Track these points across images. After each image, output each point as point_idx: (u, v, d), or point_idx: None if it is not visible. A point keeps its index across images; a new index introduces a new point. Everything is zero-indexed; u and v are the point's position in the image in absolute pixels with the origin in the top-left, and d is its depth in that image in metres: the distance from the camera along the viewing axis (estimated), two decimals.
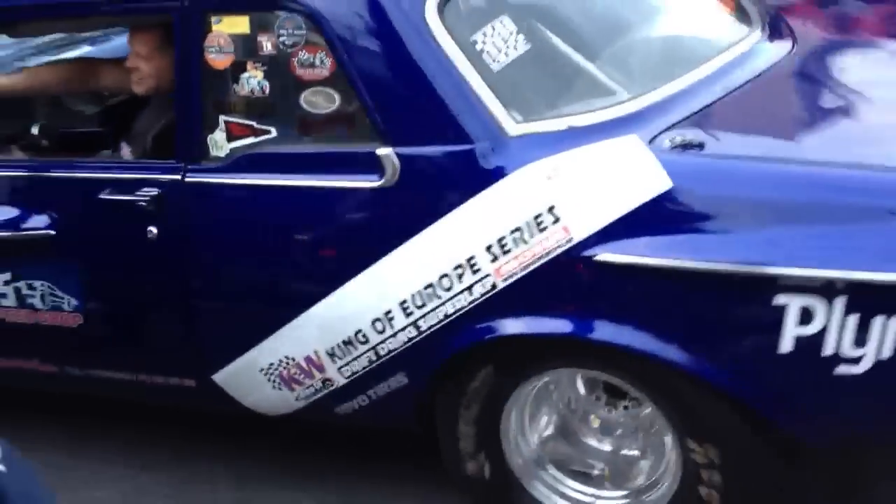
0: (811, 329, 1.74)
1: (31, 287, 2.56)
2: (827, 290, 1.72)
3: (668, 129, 1.97)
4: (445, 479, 2.32)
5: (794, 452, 1.98)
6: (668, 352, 1.86)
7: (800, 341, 1.76)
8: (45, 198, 2.52)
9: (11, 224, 2.52)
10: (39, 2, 2.55)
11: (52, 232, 2.46)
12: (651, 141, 1.93)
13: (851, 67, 2.43)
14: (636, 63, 2.20)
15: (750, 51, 2.32)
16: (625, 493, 2.16)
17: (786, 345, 1.77)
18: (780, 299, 1.75)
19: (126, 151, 2.61)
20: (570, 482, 2.20)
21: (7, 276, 2.58)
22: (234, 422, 2.63)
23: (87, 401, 2.83)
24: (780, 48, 2.38)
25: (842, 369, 1.75)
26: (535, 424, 2.23)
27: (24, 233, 2.50)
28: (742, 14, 2.51)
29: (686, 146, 1.90)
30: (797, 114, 2.11)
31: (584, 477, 2.20)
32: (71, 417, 2.98)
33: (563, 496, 2.20)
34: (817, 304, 1.73)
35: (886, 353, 1.72)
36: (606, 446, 2.22)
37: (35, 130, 2.94)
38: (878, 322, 1.70)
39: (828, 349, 1.75)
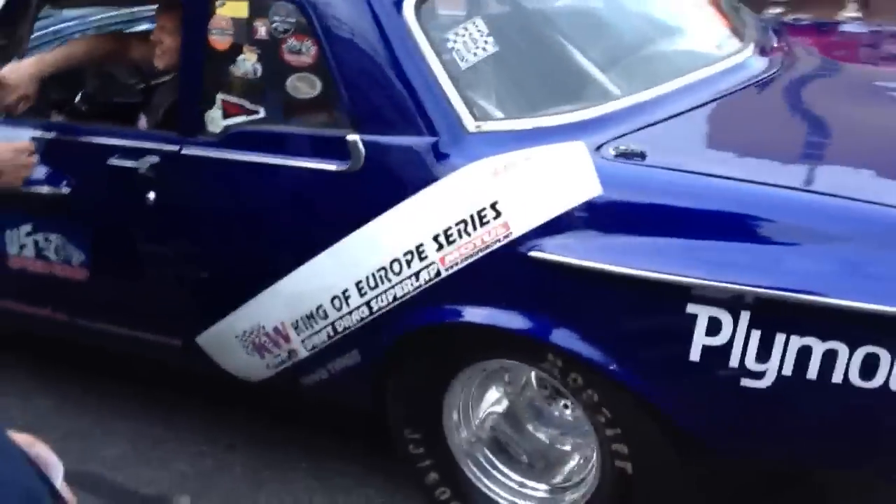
0: (718, 340, 1.79)
1: (47, 240, 2.78)
2: (735, 303, 1.76)
3: (620, 137, 2.03)
4: None
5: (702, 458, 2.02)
6: (587, 350, 1.93)
7: (707, 350, 1.80)
8: (65, 159, 2.73)
9: (36, 181, 2.74)
10: None
11: (68, 190, 2.67)
12: (598, 148, 1.99)
13: (831, 92, 2.44)
14: (608, 71, 2.26)
15: (733, 67, 2.36)
16: (547, 487, 2.23)
17: (695, 353, 1.81)
18: (691, 308, 1.80)
19: (143, 123, 2.80)
20: (501, 466, 2.27)
21: (29, 227, 2.81)
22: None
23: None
24: (766, 66, 2.41)
25: (746, 382, 1.79)
26: (481, 402, 2.30)
27: (45, 189, 2.71)
28: (735, 29, 2.54)
29: (627, 155, 1.95)
30: (759, 133, 2.13)
31: (514, 463, 2.28)
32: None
33: (492, 478, 2.28)
34: (725, 317, 1.77)
35: (787, 371, 1.74)
36: (543, 437, 2.28)
37: (78, 99, 3.17)
38: (780, 339, 1.73)
39: (733, 361, 1.78)
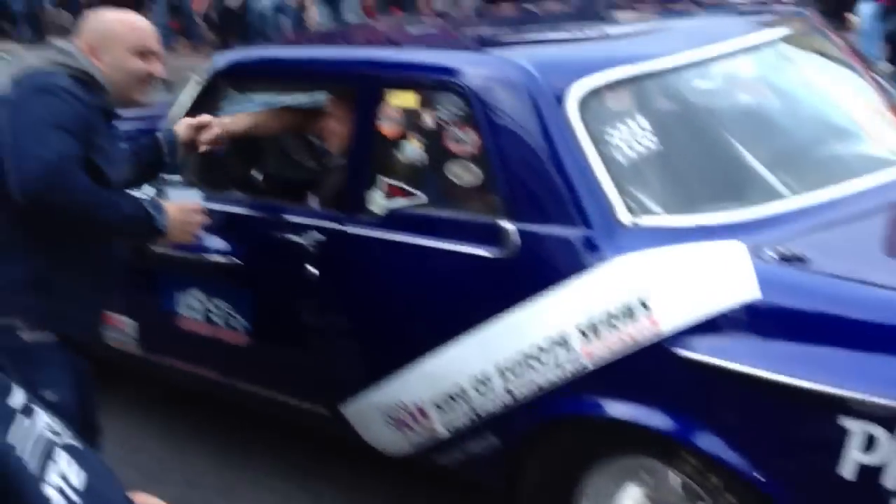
0: (873, 458, 1.70)
1: (216, 306, 2.96)
2: (894, 421, 1.67)
3: (783, 239, 1.99)
4: None
5: None
6: (729, 455, 1.87)
7: (860, 468, 1.71)
8: (237, 230, 2.91)
9: (209, 249, 2.93)
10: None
11: (237, 261, 2.84)
12: (757, 249, 1.96)
13: None
14: (775, 170, 2.23)
15: None
16: None
17: (846, 469, 1.73)
18: (844, 422, 1.72)
19: (311, 200, 2.96)
20: None
21: (200, 293, 3.00)
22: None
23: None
24: None
25: None
26: (616, 495, 2.24)
27: (217, 257, 2.89)
28: None
29: (788, 259, 1.91)
30: None
31: None
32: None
33: None
34: (882, 434, 1.68)
35: None
36: None
37: (255, 173, 3.39)
38: None
39: (888, 481, 1.69)
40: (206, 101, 3.04)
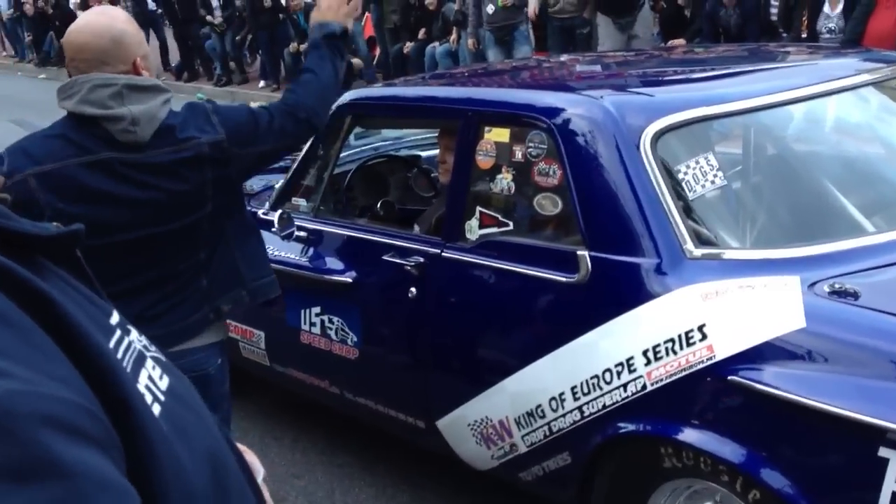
0: None
1: (331, 321, 3.22)
2: None
3: (841, 275, 2.06)
4: None
5: None
6: (774, 478, 1.93)
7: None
8: (352, 253, 3.17)
9: (328, 270, 3.21)
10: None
11: (350, 280, 3.10)
12: (812, 284, 2.03)
13: None
14: (839, 210, 2.28)
15: None
16: None
17: (884, 499, 1.77)
18: (883, 452, 1.77)
19: (417, 228, 3.19)
20: None
21: (318, 309, 3.27)
22: None
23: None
24: None
25: None
26: None
27: (335, 277, 3.16)
28: None
29: (840, 293, 1.98)
30: None
31: None
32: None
33: None
34: None
35: None
36: None
37: (378, 206, 3.66)
38: None
39: None
40: (331, 133, 3.33)
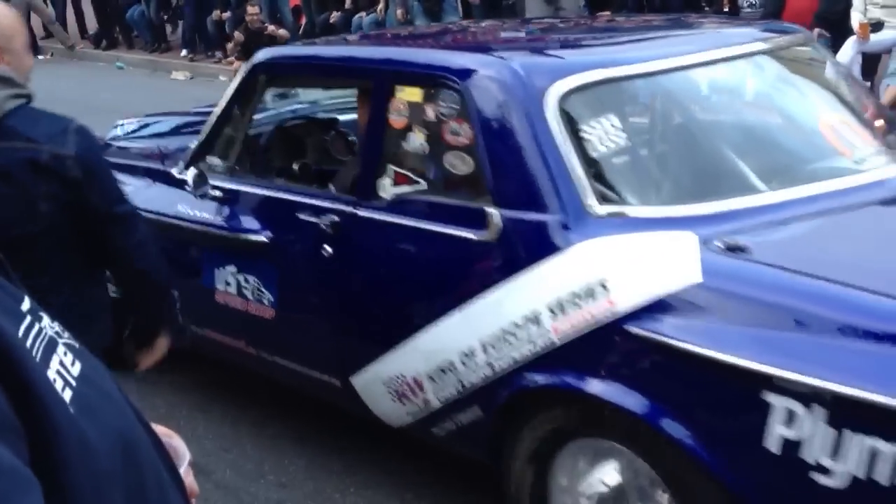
0: (793, 432, 1.83)
1: (246, 281, 3.22)
2: (812, 398, 1.80)
3: (733, 232, 2.14)
4: None
5: None
6: (673, 428, 2.02)
7: (782, 440, 1.84)
8: (269, 212, 3.17)
9: (244, 229, 3.20)
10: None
11: (265, 239, 3.10)
12: (707, 240, 2.11)
13: None
14: (736, 170, 2.37)
15: (872, 182, 2.38)
16: None
17: (770, 441, 1.86)
18: (769, 398, 1.86)
19: (332, 188, 3.20)
20: None
21: (233, 268, 3.26)
22: None
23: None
24: None
25: (817, 478, 1.81)
26: (591, 473, 2.39)
27: (250, 236, 3.16)
28: (889, 147, 2.56)
29: (732, 249, 2.06)
30: (871, 246, 2.15)
31: None
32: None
33: None
34: (801, 410, 1.81)
35: (862, 473, 1.75)
36: None
37: (295, 166, 3.65)
38: (855, 439, 1.75)
39: (806, 455, 1.82)
40: (246, 92, 3.31)
